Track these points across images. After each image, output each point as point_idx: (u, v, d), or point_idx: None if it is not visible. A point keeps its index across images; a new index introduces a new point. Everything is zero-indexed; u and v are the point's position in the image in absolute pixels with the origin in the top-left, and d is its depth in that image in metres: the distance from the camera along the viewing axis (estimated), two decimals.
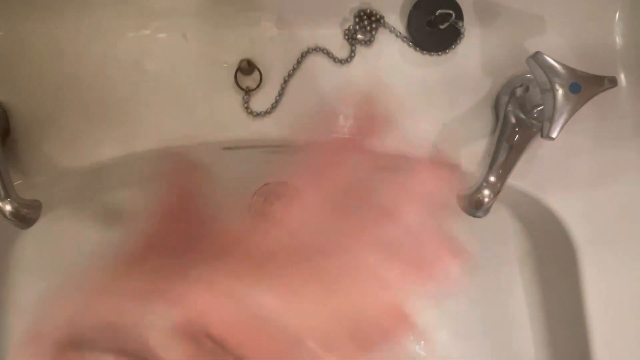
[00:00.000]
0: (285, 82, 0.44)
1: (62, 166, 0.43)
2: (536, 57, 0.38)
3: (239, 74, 0.44)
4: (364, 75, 0.45)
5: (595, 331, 0.45)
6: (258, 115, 0.44)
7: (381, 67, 0.45)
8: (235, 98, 0.44)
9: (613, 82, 0.38)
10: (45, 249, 0.50)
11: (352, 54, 0.45)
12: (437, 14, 0.43)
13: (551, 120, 0.37)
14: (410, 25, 0.45)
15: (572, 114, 0.37)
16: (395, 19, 0.45)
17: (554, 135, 0.37)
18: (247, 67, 0.43)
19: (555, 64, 0.38)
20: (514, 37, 0.46)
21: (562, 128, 0.37)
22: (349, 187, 0.23)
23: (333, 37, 0.45)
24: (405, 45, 0.45)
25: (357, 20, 0.45)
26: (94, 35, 0.43)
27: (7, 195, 0.37)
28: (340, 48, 0.45)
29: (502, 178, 0.42)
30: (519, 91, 0.43)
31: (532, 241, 0.54)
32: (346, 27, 0.45)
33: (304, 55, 0.44)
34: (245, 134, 0.44)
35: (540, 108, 0.41)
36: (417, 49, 0.45)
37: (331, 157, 0.26)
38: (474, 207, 0.42)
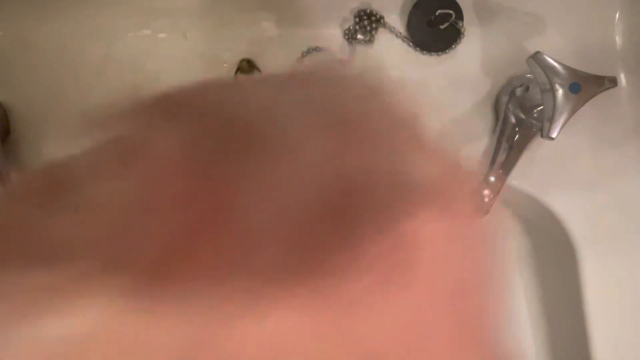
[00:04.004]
0: None
1: None
2: (536, 57, 0.38)
3: (239, 74, 0.44)
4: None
5: (595, 331, 0.45)
6: None
7: (381, 67, 0.45)
8: None
9: (613, 82, 0.38)
10: None
11: (352, 54, 0.45)
12: (437, 14, 0.43)
13: (551, 120, 0.37)
14: (410, 25, 0.45)
15: (572, 114, 0.37)
16: (395, 19, 0.45)
17: (554, 135, 0.37)
18: (247, 67, 0.43)
19: (555, 64, 0.38)
20: (514, 37, 0.46)
21: (562, 128, 0.37)
22: None
23: (333, 37, 0.45)
24: (405, 45, 0.45)
25: (357, 20, 0.45)
26: (94, 35, 0.43)
27: None
28: (340, 48, 0.45)
29: (502, 178, 0.42)
30: (519, 91, 0.43)
31: (532, 241, 0.54)
32: (346, 27, 0.45)
33: (304, 55, 0.44)
34: None
35: (540, 108, 0.41)
36: (417, 49, 0.45)
37: None
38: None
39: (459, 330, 0.15)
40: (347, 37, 0.45)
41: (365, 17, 0.44)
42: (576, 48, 0.46)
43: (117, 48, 0.43)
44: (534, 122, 0.43)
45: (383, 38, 0.45)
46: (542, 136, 0.38)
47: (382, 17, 0.45)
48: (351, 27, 0.45)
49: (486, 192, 0.42)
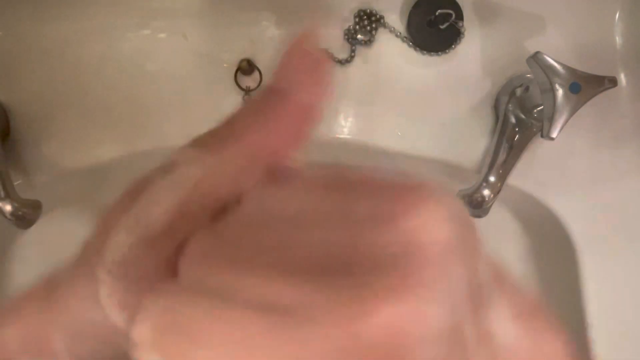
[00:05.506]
0: None
1: (62, 166, 0.43)
2: (536, 57, 0.38)
3: (239, 74, 0.44)
4: (364, 76, 0.45)
5: (595, 330, 0.45)
6: None
7: (381, 67, 0.45)
8: (235, 98, 0.44)
9: (613, 82, 0.38)
10: (45, 249, 0.50)
11: (352, 54, 0.45)
12: (437, 14, 0.43)
13: (551, 120, 0.37)
14: (410, 25, 0.45)
15: (572, 114, 0.37)
16: (395, 19, 0.45)
17: (554, 135, 0.37)
18: (247, 67, 0.43)
19: (555, 64, 0.38)
20: (514, 37, 0.46)
21: (562, 128, 0.37)
22: None
23: (333, 37, 0.45)
24: (405, 45, 0.45)
25: (357, 20, 0.45)
26: (94, 35, 0.43)
27: (7, 195, 0.37)
28: (340, 48, 0.45)
29: (502, 178, 0.42)
30: (519, 91, 0.43)
31: (532, 241, 0.54)
32: (346, 27, 0.45)
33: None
34: None
35: (540, 108, 0.41)
36: (417, 49, 0.45)
37: None
38: (474, 207, 0.42)
39: None
40: (347, 37, 0.45)
41: (365, 17, 0.44)
42: (576, 48, 0.46)
43: (117, 48, 0.43)
44: (534, 122, 0.43)
45: (383, 38, 0.45)
46: (542, 136, 0.38)
47: (382, 17, 0.45)
48: (351, 27, 0.45)
49: (486, 192, 0.42)
